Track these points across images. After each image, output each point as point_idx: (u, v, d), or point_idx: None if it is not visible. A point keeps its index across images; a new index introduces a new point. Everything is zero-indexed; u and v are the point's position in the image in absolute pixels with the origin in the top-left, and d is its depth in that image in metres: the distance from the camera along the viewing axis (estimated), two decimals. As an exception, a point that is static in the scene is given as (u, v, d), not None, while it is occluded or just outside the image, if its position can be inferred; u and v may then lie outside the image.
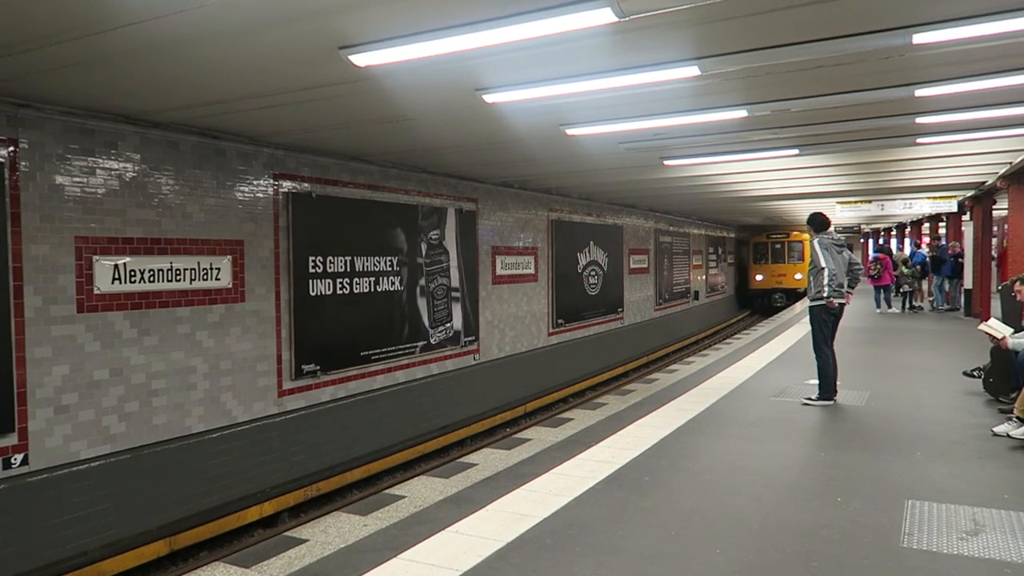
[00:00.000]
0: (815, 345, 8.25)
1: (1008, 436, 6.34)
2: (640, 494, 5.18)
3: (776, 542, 4.29)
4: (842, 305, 8.23)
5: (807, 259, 27.30)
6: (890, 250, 21.79)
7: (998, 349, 7.88)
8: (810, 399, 8.12)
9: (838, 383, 8.27)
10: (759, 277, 32.22)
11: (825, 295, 8.11)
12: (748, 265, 32.97)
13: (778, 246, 32.45)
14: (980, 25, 4.72)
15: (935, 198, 18.75)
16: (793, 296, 30.83)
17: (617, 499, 5.08)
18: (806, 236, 29.23)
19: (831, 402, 8.06)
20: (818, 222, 8.60)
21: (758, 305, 32.40)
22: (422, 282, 11.19)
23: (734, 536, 4.38)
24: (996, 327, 7.23)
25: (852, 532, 4.39)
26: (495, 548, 4.22)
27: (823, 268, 8.10)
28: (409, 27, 4.61)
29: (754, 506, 4.90)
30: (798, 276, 30.80)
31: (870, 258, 20.51)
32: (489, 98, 6.45)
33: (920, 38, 4.95)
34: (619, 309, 18.48)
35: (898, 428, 6.95)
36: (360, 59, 5.12)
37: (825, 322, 8.19)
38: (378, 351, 10.27)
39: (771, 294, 31.91)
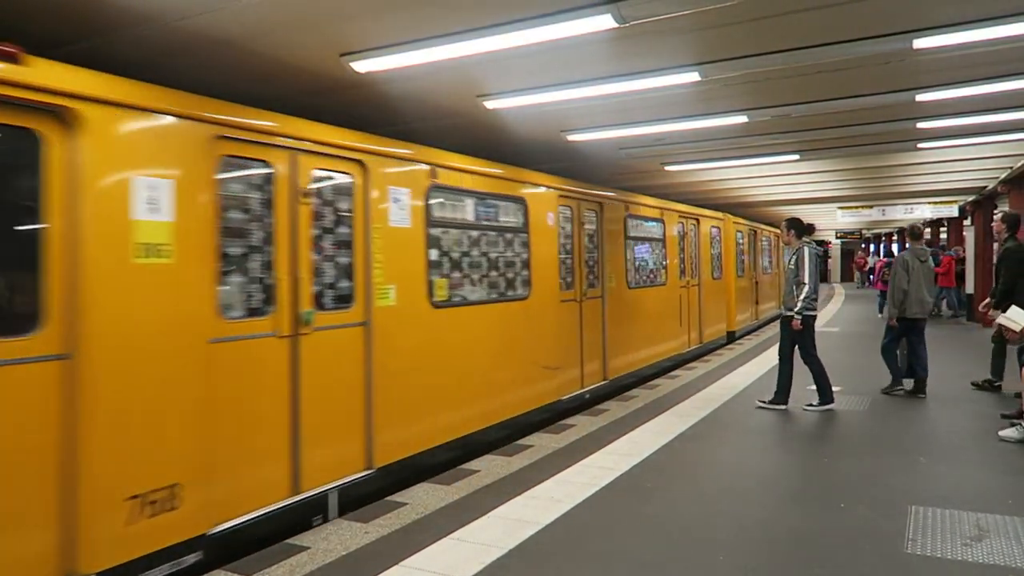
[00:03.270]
0: (804, 355, 8.12)
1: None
2: (642, 501, 5.16)
3: (779, 549, 4.27)
4: (815, 317, 8.12)
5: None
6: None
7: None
8: (811, 405, 8.09)
9: (792, 390, 8.19)
10: None
11: (797, 309, 7.85)
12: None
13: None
14: (981, 30, 4.73)
15: (936, 203, 18.78)
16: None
17: (619, 506, 5.06)
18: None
19: (831, 405, 8.02)
20: (800, 227, 8.15)
21: None
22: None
23: (736, 543, 4.35)
24: (1015, 318, 6.92)
25: (855, 538, 4.36)
26: (496, 555, 4.20)
27: (805, 284, 7.79)
28: (410, 34, 4.63)
29: (756, 512, 4.88)
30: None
31: (882, 263, 19.90)
32: (490, 104, 6.47)
33: (921, 43, 4.96)
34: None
35: (901, 433, 6.93)
36: (361, 66, 5.14)
37: (811, 328, 8.10)
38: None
39: None
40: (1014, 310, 6.94)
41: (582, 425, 7.49)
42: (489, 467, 6.03)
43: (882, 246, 42.55)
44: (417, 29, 4.54)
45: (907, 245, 8.92)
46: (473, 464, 6.17)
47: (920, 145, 9.56)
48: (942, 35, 4.84)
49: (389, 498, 5.31)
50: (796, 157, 10.35)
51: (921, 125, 8.11)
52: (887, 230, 37.09)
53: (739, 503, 5.10)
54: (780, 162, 10.85)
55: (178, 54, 4.93)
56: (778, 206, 19.47)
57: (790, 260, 8.08)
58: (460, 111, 6.86)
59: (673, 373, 10.98)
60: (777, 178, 13.31)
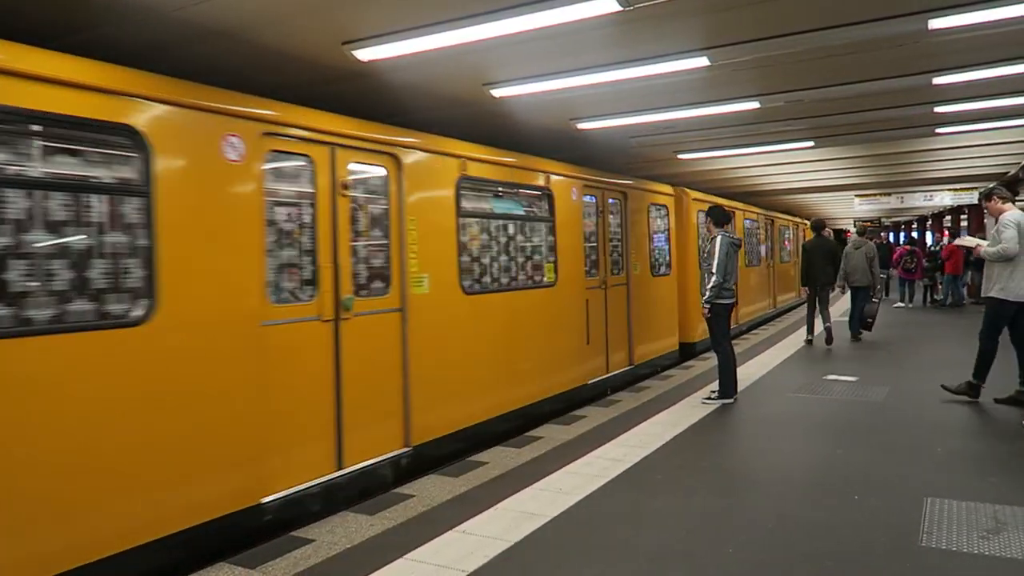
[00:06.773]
0: (714, 343, 7.96)
1: None
2: (651, 493, 5.10)
3: (790, 541, 4.19)
4: (730, 305, 7.95)
5: None
6: (924, 244, 21.50)
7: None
8: (710, 397, 7.93)
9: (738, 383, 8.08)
10: None
11: (705, 299, 7.77)
12: None
13: None
14: (998, 9, 4.60)
15: (956, 190, 18.46)
16: None
17: (627, 498, 5.00)
18: None
19: (731, 400, 7.85)
20: (718, 216, 7.99)
21: None
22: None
23: (747, 535, 4.28)
24: (968, 241, 8.03)
25: (869, 531, 4.28)
26: (502, 548, 4.16)
27: (713, 274, 7.66)
28: (411, 20, 4.57)
29: (768, 504, 4.80)
30: None
31: (903, 250, 19.64)
32: (497, 92, 6.40)
33: (936, 23, 4.83)
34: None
35: (918, 424, 6.80)
36: (364, 54, 5.09)
37: (723, 317, 7.91)
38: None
39: None
40: (966, 236, 8.63)
41: (593, 416, 7.44)
42: (497, 459, 5.99)
43: (902, 234, 42.05)
44: (418, 15, 4.47)
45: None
46: (482, 456, 6.14)
47: (938, 130, 9.37)
48: (958, 15, 4.70)
49: (396, 490, 5.29)
50: (811, 144, 10.20)
51: (939, 109, 7.94)
52: (907, 218, 36.63)
53: (751, 495, 5.02)
54: (795, 149, 10.70)
55: (177, 44, 4.89)
56: (795, 194, 19.23)
57: (706, 250, 8.09)
58: (467, 100, 6.79)
59: (686, 364, 10.87)
60: (792, 165, 13.14)
